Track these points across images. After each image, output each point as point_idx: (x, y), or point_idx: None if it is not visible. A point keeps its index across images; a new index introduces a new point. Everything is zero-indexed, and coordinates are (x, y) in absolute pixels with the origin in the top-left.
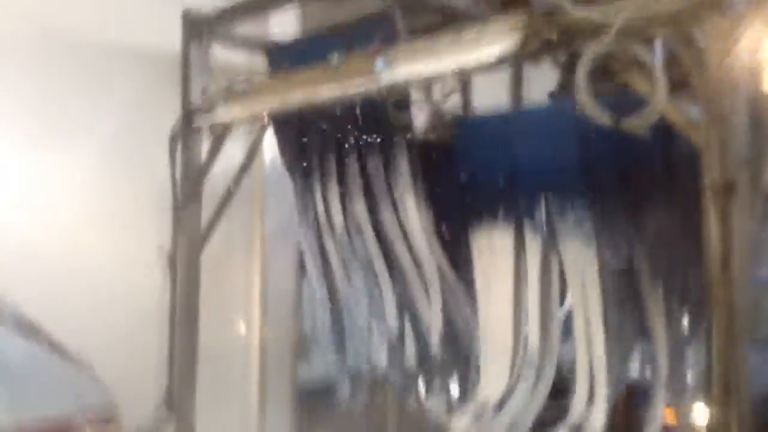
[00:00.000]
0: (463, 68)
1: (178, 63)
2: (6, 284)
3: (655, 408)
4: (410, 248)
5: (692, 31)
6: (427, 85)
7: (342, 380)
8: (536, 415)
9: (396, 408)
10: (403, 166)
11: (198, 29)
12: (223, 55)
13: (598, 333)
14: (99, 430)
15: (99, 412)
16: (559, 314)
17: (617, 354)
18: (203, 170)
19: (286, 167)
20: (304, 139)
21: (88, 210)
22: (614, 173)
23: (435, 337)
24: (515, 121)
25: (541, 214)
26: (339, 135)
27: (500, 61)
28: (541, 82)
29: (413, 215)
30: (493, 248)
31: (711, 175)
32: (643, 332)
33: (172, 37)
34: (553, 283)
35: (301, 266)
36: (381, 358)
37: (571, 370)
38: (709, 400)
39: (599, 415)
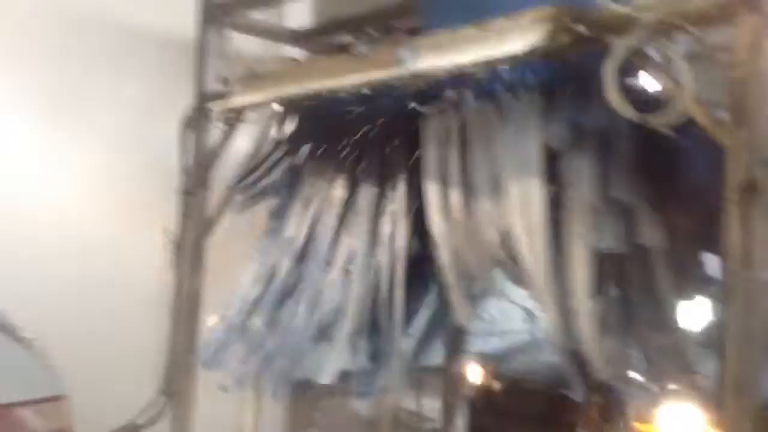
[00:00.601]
0: (489, 60)
1: (193, 48)
2: (10, 263)
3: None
4: None
5: (721, 29)
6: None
7: None
8: None
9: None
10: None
11: (215, 14)
12: (238, 41)
13: None
14: (43, 415)
15: (44, 396)
16: None
17: None
18: (214, 156)
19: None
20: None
21: (96, 190)
22: None
23: None
24: None
25: None
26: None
27: (527, 54)
28: None
29: None
30: None
31: (735, 174)
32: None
33: (189, 22)
34: None
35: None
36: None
37: None
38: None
39: None
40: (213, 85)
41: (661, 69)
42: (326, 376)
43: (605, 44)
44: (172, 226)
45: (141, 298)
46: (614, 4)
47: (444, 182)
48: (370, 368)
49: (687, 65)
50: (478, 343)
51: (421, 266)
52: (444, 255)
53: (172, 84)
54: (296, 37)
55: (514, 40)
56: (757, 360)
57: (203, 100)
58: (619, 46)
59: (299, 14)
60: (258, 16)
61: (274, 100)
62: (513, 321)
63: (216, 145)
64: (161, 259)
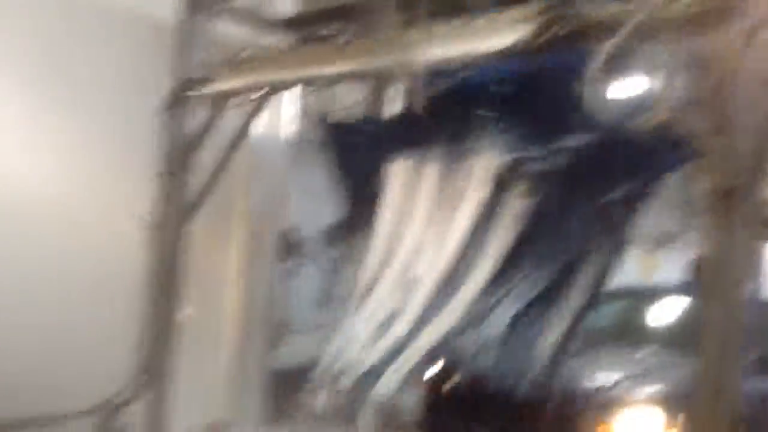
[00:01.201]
0: (473, 55)
1: (175, 33)
2: None
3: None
4: None
5: (701, 36)
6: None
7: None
8: None
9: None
10: None
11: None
12: (222, 28)
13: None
14: None
15: None
16: None
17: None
18: (196, 140)
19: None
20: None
21: (77, 173)
22: None
23: None
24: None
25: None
26: None
27: (511, 50)
28: None
29: None
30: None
31: (713, 181)
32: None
33: (174, 6)
34: None
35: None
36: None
37: None
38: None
39: None
40: (196, 70)
41: (644, 73)
42: None
43: (589, 45)
44: (151, 209)
45: (121, 280)
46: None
47: None
48: None
49: (669, 70)
50: None
51: None
52: None
53: (156, 68)
54: (280, 25)
55: (500, 35)
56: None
57: (185, 84)
58: (605, 47)
59: (286, 1)
60: (242, 2)
61: (259, 87)
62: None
63: (199, 128)
64: (142, 240)
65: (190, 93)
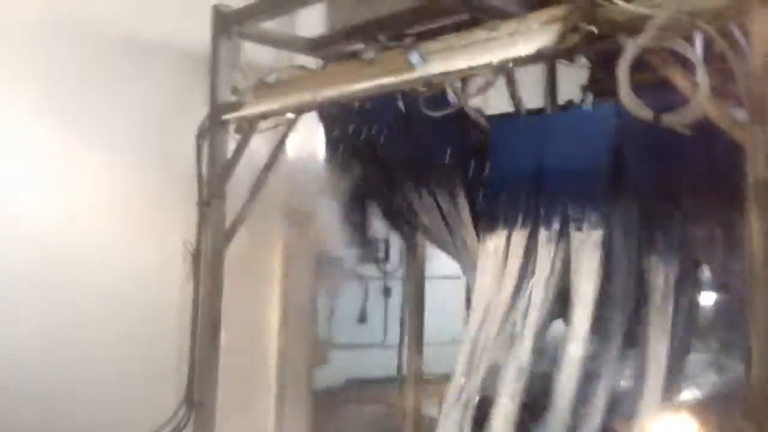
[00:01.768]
0: (501, 63)
1: (207, 58)
2: (30, 277)
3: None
4: None
5: (736, 27)
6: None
7: None
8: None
9: (412, 411)
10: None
11: (227, 24)
12: (251, 51)
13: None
14: None
15: None
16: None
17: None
18: (229, 166)
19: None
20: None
21: (115, 204)
22: (643, 181)
23: None
24: (548, 122)
25: (559, 220)
26: None
27: (539, 56)
28: (573, 76)
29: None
30: (503, 251)
31: (754, 173)
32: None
33: (202, 33)
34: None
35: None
36: None
37: None
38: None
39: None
40: (227, 96)
41: (676, 68)
42: None
43: (617, 43)
44: (191, 238)
45: (161, 309)
46: (625, 2)
47: None
48: None
49: (702, 63)
50: None
51: None
52: None
53: (188, 95)
54: (308, 46)
55: (525, 42)
56: None
57: (217, 110)
58: (631, 45)
59: (311, 23)
60: (270, 25)
61: (286, 109)
62: None
63: (233, 153)
64: (181, 270)
65: (222, 119)
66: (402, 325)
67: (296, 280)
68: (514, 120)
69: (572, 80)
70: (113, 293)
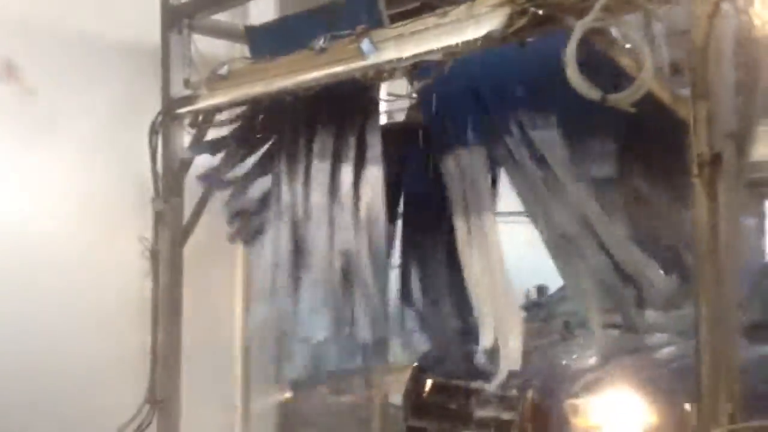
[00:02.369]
0: (451, 49)
1: (158, 54)
2: None
3: None
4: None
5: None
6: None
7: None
8: None
9: (380, 404)
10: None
11: (177, 18)
12: (203, 45)
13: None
14: None
15: None
16: None
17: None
18: (185, 161)
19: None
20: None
21: (70, 203)
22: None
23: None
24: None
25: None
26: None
27: (487, 40)
28: None
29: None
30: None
31: (698, 148)
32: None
33: (152, 28)
34: None
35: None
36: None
37: None
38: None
39: None
40: (179, 90)
41: (621, 47)
42: None
43: (564, 26)
44: (149, 235)
45: (121, 307)
46: None
47: None
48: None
49: (646, 42)
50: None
51: None
52: None
53: (141, 91)
54: None
55: (473, 27)
56: (732, 328)
57: (170, 105)
58: (578, 27)
59: (263, 13)
60: (222, 17)
61: (239, 101)
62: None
63: (186, 149)
64: (140, 268)
65: (176, 113)
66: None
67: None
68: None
69: None
70: (72, 292)
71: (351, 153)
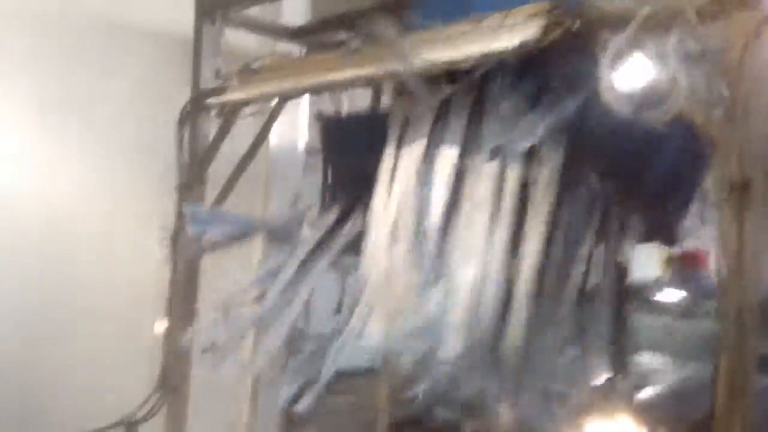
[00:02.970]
0: (484, 56)
1: (190, 44)
2: (5, 260)
3: None
4: None
5: (715, 26)
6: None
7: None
8: None
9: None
10: None
11: (211, 9)
12: (234, 38)
13: None
14: None
15: None
16: None
17: None
18: (210, 152)
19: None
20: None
21: (91, 189)
22: None
23: None
24: None
25: None
26: None
27: (521, 49)
28: None
29: None
30: None
31: (727, 173)
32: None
33: (185, 17)
34: None
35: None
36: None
37: None
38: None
39: None
40: (209, 81)
41: (656, 65)
42: None
43: (600, 40)
44: (170, 223)
45: (138, 294)
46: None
47: None
48: None
49: (682, 61)
50: None
51: None
52: None
53: (169, 80)
54: (292, 34)
55: (508, 35)
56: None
57: (199, 95)
58: (614, 42)
59: (296, 11)
60: (254, 11)
61: (270, 95)
62: None
63: (213, 139)
64: (158, 255)
65: (205, 103)
66: None
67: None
68: None
69: None
70: (89, 275)
71: None
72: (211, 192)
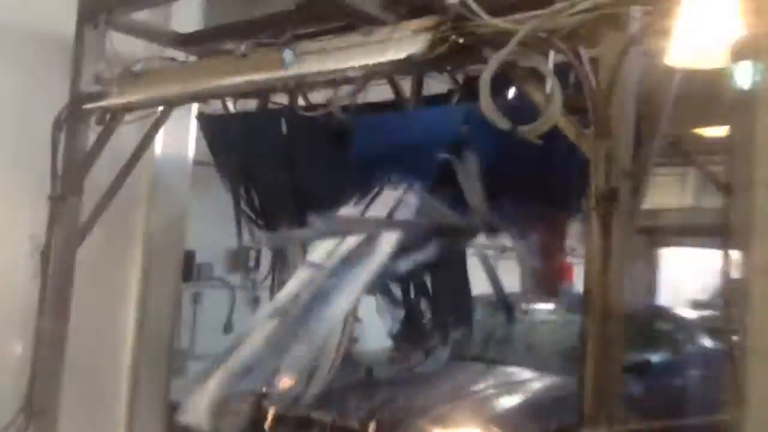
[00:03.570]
0: (371, 68)
1: (71, 46)
2: None
3: None
4: None
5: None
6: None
7: None
8: None
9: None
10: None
11: (94, 12)
12: (121, 43)
13: None
14: None
15: None
16: None
17: None
18: (88, 160)
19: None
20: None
21: None
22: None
23: None
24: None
25: None
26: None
27: (408, 63)
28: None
29: None
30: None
31: (596, 183)
32: None
33: (67, 20)
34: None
35: (185, 273)
36: None
37: None
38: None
39: None
40: (90, 86)
41: (532, 81)
42: None
43: (481, 57)
44: (41, 235)
45: (4, 310)
46: (491, 17)
47: None
48: None
49: (555, 79)
50: None
51: None
52: None
53: (50, 84)
54: (180, 40)
55: (396, 48)
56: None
57: (78, 100)
58: (493, 58)
59: (187, 18)
60: (143, 17)
61: (153, 101)
62: None
63: (93, 146)
64: (28, 269)
65: (83, 108)
66: None
67: (157, 284)
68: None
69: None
70: None
71: None
72: (89, 203)
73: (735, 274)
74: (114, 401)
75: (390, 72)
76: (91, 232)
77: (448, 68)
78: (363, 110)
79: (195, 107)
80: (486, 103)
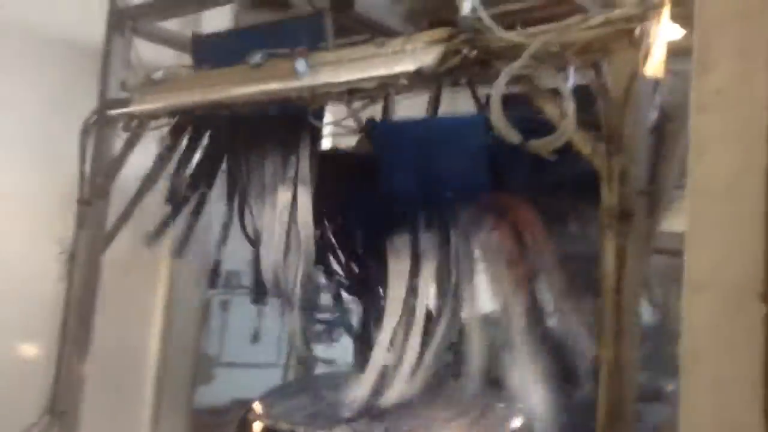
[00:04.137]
0: (384, 79)
1: (100, 53)
2: None
3: None
4: None
5: (601, 60)
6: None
7: None
8: None
9: None
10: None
11: (123, 20)
12: (150, 51)
13: None
14: None
15: None
16: None
17: None
18: (115, 165)
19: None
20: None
21: None
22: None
23: None
24: (430, 127)
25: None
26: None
27: (419, 75)
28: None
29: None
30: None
31: (609, 202)
32: None
33: (96, 27)
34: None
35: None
36: None
37: None
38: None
39: None
40: (116, 92)
41: (546, 96)
42: None
43: (495, 69)
44: (68, 238)
45: (34, 312)
46: (504, 30)
47: None
48: None
49: (570, 93)
50: None
51: None
52: None
53: (76, 90)
54: None
55: (408, 60)
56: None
57: (105, 106)
58: (505, 72)
59: (218, 27)
60: (173, 25)
61: (171, 109)
62: None
63: (118, 153)
64: (55, 272)
65: (109, 114)
66: (290, 344)
67: (183, 289)
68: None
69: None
70: None
71: (289, 175)
72: (116, 209)
73: None
74: (138, 406)
75: (402, 84)
76: (117, 237)
77: (461, 81)
78: None
79: None
80: (497, 117)
